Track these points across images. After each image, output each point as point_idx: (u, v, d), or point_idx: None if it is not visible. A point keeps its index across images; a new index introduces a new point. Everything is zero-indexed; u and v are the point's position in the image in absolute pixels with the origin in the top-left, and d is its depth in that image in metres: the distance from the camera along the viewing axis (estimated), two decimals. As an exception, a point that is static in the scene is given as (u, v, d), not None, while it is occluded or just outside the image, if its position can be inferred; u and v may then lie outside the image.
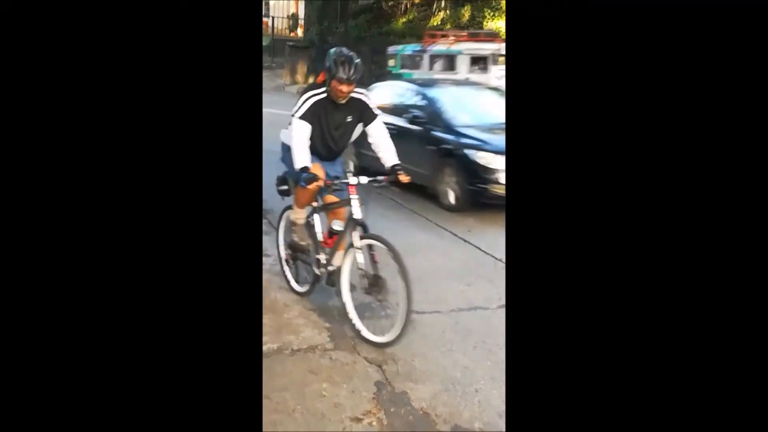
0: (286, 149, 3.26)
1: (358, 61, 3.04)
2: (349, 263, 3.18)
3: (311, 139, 3.13)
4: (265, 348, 2.99)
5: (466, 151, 5.39)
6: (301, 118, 3.09)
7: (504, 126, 5.31)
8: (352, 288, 3.20)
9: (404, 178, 3.13)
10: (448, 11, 14.27)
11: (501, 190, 5.12)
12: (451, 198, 5.57)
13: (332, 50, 3.08)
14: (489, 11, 13.34)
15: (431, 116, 5.95)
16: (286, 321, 3.31)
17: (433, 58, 10.49)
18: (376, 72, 15.74)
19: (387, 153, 3.22)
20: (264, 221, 5.11)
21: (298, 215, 3.43)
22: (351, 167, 5.24)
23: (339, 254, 3.27)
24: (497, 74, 9.58)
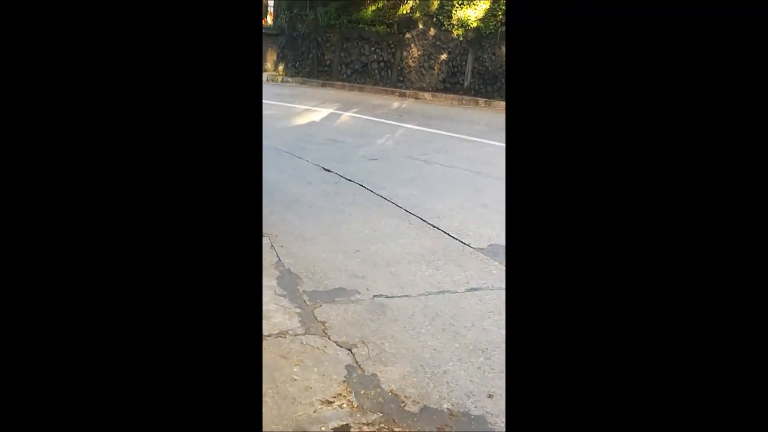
0: None
1: None
2: None
3: None
4: (235, 334, 3.00)
5: None
6: None
7: None
8: None
9: None
10: (417, 0, 14.24)
11: None
12: None
13: None
14: (458, 0, 13.36)
15: None
16: (256, 307, 3.32)
17: None
18: (346, 59, 15.67)
19: None
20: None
21: None
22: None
23: None
24: None
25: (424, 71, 14.02)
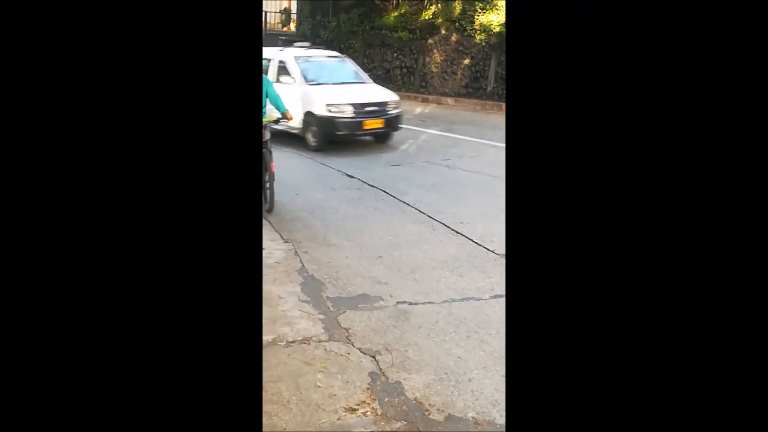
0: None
1: None
2: None
3: None
4: (259, 340, 3.01)
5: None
6: None
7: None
8: None
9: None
10: (439, 5, 14.23)
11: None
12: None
13: None
14: (480, 5, 13.32)
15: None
16: (281, 313, 3.33)
17: None
18: (369, 66, 15.72)
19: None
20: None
21: None
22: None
23: None
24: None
25: (446, 76, 14.00)
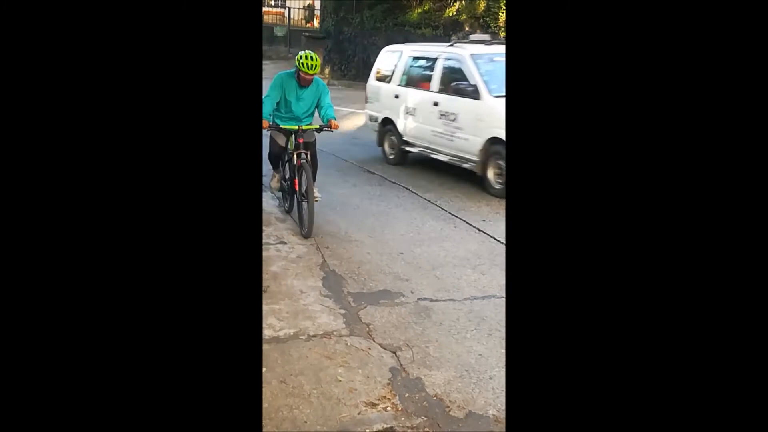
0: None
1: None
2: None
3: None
4: (281, 333, 3.04)
5: None
6: None
7: None
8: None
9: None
10: (463, 2, 14.15)
11: None
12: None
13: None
14: (504, 2, 13.23)
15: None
16: (302, 307, 3.35)
17: None
18: (391, 63, 15.67)
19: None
20: (281, 208, 5.15)
21: None
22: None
23: None
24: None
25: (469, 74, 13.92)
